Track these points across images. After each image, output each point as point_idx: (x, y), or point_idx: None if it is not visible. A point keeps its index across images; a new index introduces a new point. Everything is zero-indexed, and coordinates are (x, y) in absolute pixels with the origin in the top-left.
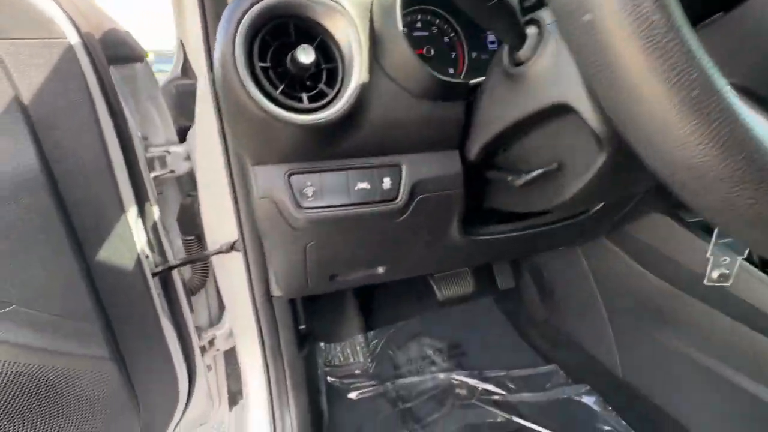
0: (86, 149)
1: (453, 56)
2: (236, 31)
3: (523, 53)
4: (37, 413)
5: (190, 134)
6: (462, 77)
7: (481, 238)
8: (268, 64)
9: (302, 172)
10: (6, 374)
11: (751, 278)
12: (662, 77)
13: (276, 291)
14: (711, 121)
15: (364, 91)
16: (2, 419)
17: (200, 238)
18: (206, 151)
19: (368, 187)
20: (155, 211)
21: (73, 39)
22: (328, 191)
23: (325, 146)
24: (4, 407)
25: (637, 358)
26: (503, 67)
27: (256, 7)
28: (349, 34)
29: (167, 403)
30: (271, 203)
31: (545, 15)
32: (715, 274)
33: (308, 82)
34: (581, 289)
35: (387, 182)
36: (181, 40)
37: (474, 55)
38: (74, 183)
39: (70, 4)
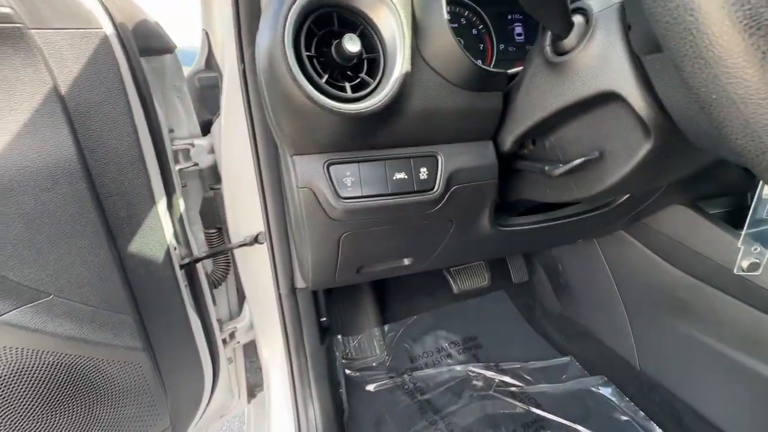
0: (119, 140)
1: (481, 48)
2: (286, 21)
3: (568, 42)
4: (72, 402)
5: (214, 127)
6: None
7: (509, 228)
8: (313, 54)
9: (341, 162)
10: (43, 364)
11: None
12: (766, 56)
13: (300, 283)
14: None
15: (406, 80)
16: (39, 408)
17: (222, 231)
18: (233, 143)
19: (405, 177)
20: (181, 204)
21: (108, 29)
22: (367, 181)
23: (365, 136)
24: (39, 396)
25: (655, 349)
26: (545, 56)
27: None
28: (392, 24)
29: (193, 395)
30: (309, 193)
31: (593, 3)
32: (745, 264)
33: (348, 72)
34: (598, 281)
35: (423, 172)
36: (206, 32)
37: (501, 47)
38: (107, 174)
39: None
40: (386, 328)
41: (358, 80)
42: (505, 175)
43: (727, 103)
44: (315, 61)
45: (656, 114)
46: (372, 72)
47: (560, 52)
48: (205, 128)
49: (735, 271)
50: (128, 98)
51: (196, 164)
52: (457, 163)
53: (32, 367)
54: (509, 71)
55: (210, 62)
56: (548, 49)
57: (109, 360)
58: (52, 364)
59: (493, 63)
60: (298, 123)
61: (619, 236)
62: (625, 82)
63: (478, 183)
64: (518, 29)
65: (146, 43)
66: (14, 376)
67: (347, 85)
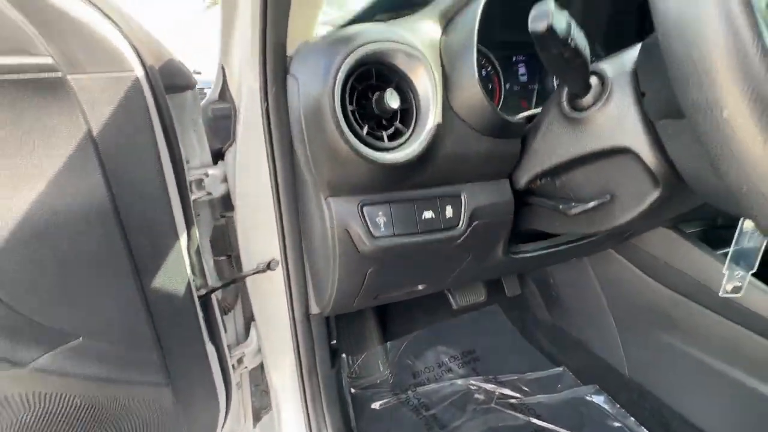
0: (146, 179)
1: (489, 88)
2: (336, 76)
3: (585, 100)
4: None
5: (228, 156)
6: (498, 108)
7: (519, 256)
8: (355, 108)
9: (373, 204)
10: (69, 407)
11: (752, 288)
12: None
13: (314, 309)
14: None
15: (438, 131)
16: None
17: (231, 259)
18: (249, 173)
19: (433, 216)
20: (197, 234)
21: (139, 72)
22: (398, 221)
23: (397, 179)
24: None
25: (643, 358)
26: (562, 110)
27: (353, 56)
28: (427, 81)
29: (209, 424)
30: (344, 233)
31: (608, 68)
32: (729, 287)
33: (383, 122)
34: (588, 295)
35: (449, 211)
36: (222, 66)
37: (508, 86)
38: (134, 213)
39: (136, 38)
40: (388, 345)
41: (393, 129)
42: (517, 208)
43: (757, 196)
44: (356, 113)
45: (666, 169)
46: (404, 121)
47: (577, 108)
48: (215, 156)
49: (720, 294)
50: (155, 137)
51: (209, 194)
52: (478, 201)
53: (59, 412)
54: (524, 114)
55: (224, 94)
56: (565, 104)
57: (134, 397)
58: (79, 407)
59: (501, 101)
60: (338, 170)
61: (607, 254)
62: (639, 142)
63: (497, 219)
64: (522, 69)
65: (171, 81)
66: (40, 421)
67: (384, 135)
